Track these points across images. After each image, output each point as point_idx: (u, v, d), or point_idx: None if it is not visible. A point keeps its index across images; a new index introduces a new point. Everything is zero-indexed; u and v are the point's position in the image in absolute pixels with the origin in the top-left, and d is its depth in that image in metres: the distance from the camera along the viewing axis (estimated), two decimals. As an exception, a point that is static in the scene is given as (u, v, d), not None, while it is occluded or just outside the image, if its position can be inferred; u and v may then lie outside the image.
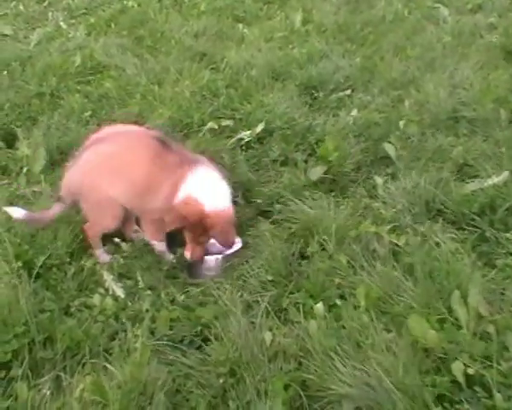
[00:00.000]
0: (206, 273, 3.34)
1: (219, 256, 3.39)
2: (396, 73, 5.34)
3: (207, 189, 3.26)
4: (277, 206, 3.74)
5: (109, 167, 3.35)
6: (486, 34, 6.03)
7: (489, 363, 2.52)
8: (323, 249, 3.32)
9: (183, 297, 3.16)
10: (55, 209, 3.51)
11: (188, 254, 3.34)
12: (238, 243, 3.43)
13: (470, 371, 2.50)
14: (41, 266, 3.30)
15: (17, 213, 3.46)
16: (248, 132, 4.45)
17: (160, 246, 3.51)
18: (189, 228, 3.27)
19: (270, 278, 3.18)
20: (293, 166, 4.10)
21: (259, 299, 3.07)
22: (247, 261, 3.37)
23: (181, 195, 3.25)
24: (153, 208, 3.38)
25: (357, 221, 3.48)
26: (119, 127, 3.69)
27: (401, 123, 4.44)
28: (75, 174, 3.43)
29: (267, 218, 3.71)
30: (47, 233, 3.50)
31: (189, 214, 3.20)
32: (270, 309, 2.99)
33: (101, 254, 3.51)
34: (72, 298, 3.16)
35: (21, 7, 7.99)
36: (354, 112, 4.75)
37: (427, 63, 5.52)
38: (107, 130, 3.57)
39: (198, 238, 3.30)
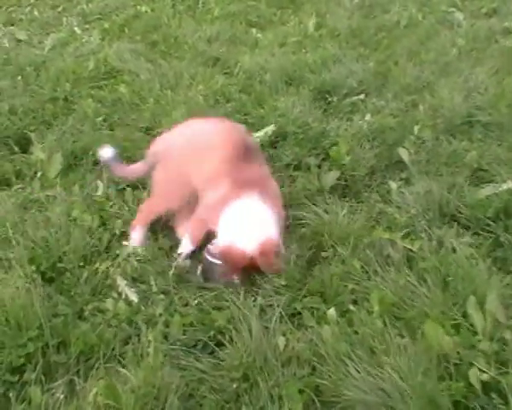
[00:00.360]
0: (218, 279, 3.32)
1: None
2: (410, 78, 5.32)
3: (244, 226, 3.22)
4: (290, 210, 3.73)
5: (194, 145, 3.45)
6: (501, 38, 6.01)
7: (505, 369, 2.49)
8: (337, 255, 3.30)
9: (196, 302, 3.14)
10: (139, 167, 3.70)
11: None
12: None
13: (486, 377, 2.47)
14: (54, 270, 3.31)
15: (106, 153, 3.72)
16: (259, 134, 4.44)
17: (186, 247, 3.47)
18: (242, 270, 3.23)
19: (283, 282, 3.16)
20: (307, 171, 4.09)
21: (273, 303, 3.05)
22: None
23: (220, 233, 3.26)
24: (205, 205, 3.39)
25: (371, 226, 3.47)
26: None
27: (416, 128, 4.42)
28: (163, 139, 3.65)
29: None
30: (60, 236, 3.51)
31: (235, 261, 3.18)
32: (283, 314, 2.97)
33: (137, 237, 3.55)
34: (86, 302, 3.15)
35: (36, 12, 8.04)
36: (368, 116, 4.73)
37: (442, 68, 5.51)
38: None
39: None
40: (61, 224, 3.59)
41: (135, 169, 3.77)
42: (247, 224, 3.22)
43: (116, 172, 3.83)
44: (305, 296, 3.09)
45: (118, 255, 3.47)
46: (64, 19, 7.70)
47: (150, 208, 3.60)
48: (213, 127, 3.55)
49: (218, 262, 3.31)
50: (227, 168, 3.31)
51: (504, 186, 3.67)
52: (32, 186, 4.10)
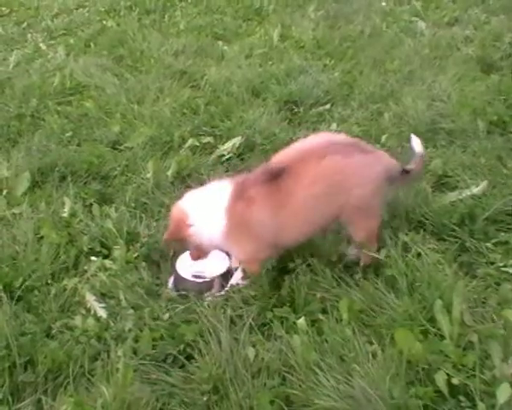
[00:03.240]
0: (189, 292, 3.32)
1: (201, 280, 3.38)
2: (375, 87, 5.39)
3: None
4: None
5: None
6: (463, 47, 6.11)
7: (472, 372, 2.53)
8: (305, 263, 3.31)
9: (167, 315, 3.13)
10: None
11: None
12: (225, 265, 3.45)
13: (454, 380, 2.50)
14: (22, 288, 3.27)
15: None
16: (227, 146, 4.46)
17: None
18: None
19: (253, 293, 3.17)
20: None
21: (243, 314, 3.05)
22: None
23: None
24: None
25: (338, 233, 3.49)
26: None
27: (383, 137, 4.46)
28: None
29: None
30: (28, 254, 3.47)
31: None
32: (253, 324, 2.97)
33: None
34: (54, 319, 3.12)
35: (0, 29, 7.97)
36: (334, 126, 4.78)
37: (406, 76, 5.59)
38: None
39: None
40: (28, 241, 3.56)
41: None
42: None
43: None
44: (274, 306, 3.10)
45: (86, 271, 3.44)
46: (29, 35, 7.66)
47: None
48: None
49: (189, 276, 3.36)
50: None
51: (468, 192, 3.74)
52: (-3, 204, 4.06)
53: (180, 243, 3.29)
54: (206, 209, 3.19)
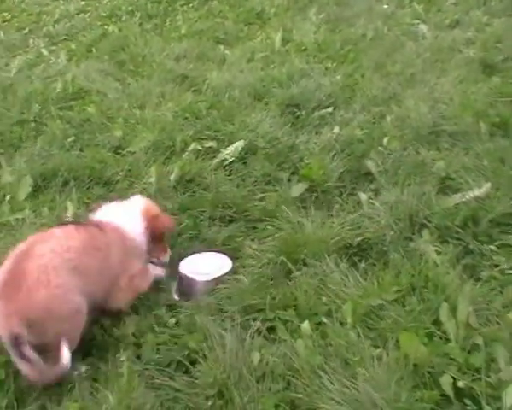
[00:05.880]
0: (195, 295, 3.32)
1: (209, 278, 3.37)
2: (377, 90, 5.38)
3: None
4: (263, 224, 3.75)
5: None
6: (465, 49, 6.09)
7: (478, 375, 2.52)
8: (310, 266, 3.31)
9: (171, 320, 3.12)
10: None
11: None
12: (228, 265, 3.43)
13: (459, 384, 2.50)
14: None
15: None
16: (230, 150, 4.46)
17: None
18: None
19: (257, 297, 3.16)
20: (277, 185, 4.11)
21: (249, 318, 3.05)
22: (235, 280, 3.34)
23: None
24: None
25: (342, 237, 3.48)
26: None
27: (385, 139, 4.46)
28: None
29: (253, 236, 3.71)
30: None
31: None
32: (259, 328, 2.97)
33: None
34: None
35: (2, 34, 7.99)
36: (336, 129, 4.76)
37: (408, 79, 5.57)
38: None
39: None
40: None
41: None
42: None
43: None
44: (279, 309, 3.08)
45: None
46: (31, 40, 7.68)
47: None
48: None
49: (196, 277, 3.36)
50: None
51: (472, 194, 3.72)
52: (0, 210, 4.05)
53: None
54: None
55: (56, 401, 2.71)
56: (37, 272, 2.72)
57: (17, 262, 2.79)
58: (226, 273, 3.39)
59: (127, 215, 3.35)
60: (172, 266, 3.51)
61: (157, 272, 3.47)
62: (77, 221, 3.50)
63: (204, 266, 3.42)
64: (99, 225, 3.20)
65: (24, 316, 2.63)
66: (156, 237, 3.42)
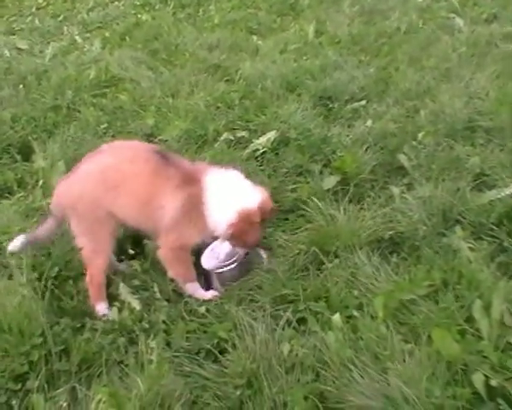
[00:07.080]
0: (224, 284, 3.32)
1: (234, 266, 3.37)
2: (411, 84, 5.32)
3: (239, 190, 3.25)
4: (294, 215, 3.74)
5: (108, 180, 3.22)
6: (502, 44, 5.98)
7: (511, 375, 2.48)
8: (342, 259, 3.29)
9: (201, 309, 3.13)
10: (49, 224, 3.41)
11: None
12: (262, 255, 3.43)
13: (492, 382, 2.45)
14: (57, 278, 3.31)
15: (12, 245, 3.36)
16: (262, 141, 4.44)
17: (191, 288, 3.31)
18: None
19: (288, 288, 3.15)
20: (309, 177, 4.08)
21: (279, 308, 3.05)
22: (266, 271, 3.33)
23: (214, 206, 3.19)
24: (167, 226, 3.23)
25: (374, 231, 3.46)
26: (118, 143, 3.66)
27: (419, 134, 4.40)
28: (69, 186, 3.32)
29: (284, 227, 3.70)
30: (63, 244, 3.49)
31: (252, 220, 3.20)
32: (290, 320, 2.96)
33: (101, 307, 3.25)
34: (87, 311, 3.16)
35: (37, 21, 8.09)
36: (369, 122, 4.73)
37: (443, 73, 5.50)
38: (105, 146, 3.47)
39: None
40: (64, 231, 3.58)
41: (45, 228, 3.42)
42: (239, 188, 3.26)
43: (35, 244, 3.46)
44: (310, 301, 3.07)
45: (122, 261, 3.46)
46: (65, 28, 7.77)
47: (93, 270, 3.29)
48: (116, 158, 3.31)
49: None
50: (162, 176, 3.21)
51: (507, 191, 3.65)
52: (33, 194, 4.10)
53: None
54: None
55: (86, 384, 2.73)
56: None
57: None
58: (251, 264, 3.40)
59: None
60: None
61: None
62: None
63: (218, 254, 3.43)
64: (193, 174, 3.22)
65: None
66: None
